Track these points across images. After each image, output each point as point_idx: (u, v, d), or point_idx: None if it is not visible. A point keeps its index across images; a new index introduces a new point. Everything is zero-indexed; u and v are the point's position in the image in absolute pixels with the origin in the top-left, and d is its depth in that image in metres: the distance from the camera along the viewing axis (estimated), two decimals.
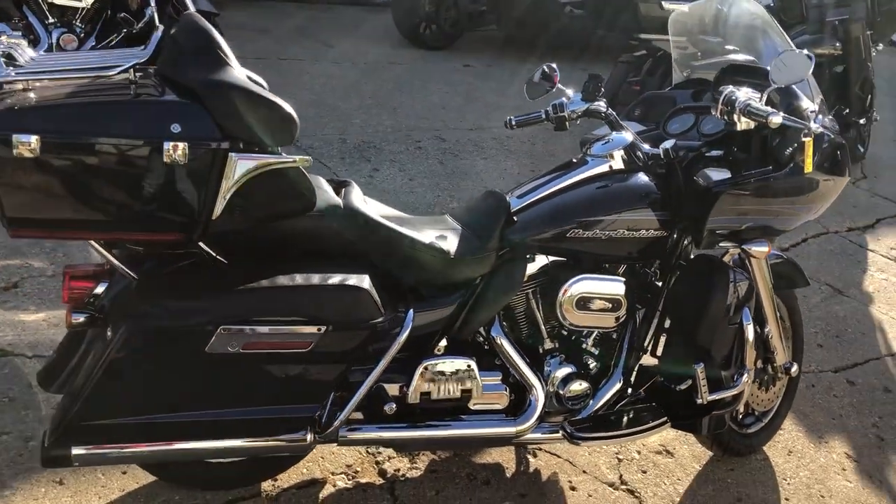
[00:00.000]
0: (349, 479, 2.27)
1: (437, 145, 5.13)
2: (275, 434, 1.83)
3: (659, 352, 2.32)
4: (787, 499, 2.51)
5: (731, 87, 2.05)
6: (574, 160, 2.26)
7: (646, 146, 2.23)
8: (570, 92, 2.44)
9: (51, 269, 3.03)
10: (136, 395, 1.71)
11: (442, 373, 2.00)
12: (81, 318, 1.77)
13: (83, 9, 4.48)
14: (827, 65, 5.87)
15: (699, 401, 2.14)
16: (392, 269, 1.94)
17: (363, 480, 2.28)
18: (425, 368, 1.99)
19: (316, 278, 1.77)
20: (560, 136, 5.54)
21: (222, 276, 1.76)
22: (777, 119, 1.88)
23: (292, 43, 7.05)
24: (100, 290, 1.83)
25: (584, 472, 2.46)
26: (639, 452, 2.58)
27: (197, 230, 1.66)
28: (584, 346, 2.26)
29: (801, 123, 1.92)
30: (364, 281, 1.80)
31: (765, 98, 2.00)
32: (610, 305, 2.15)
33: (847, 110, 5.88)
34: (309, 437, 1.87)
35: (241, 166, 1.64)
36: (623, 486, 2.44)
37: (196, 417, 1.75)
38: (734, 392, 2.18)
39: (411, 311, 1.91)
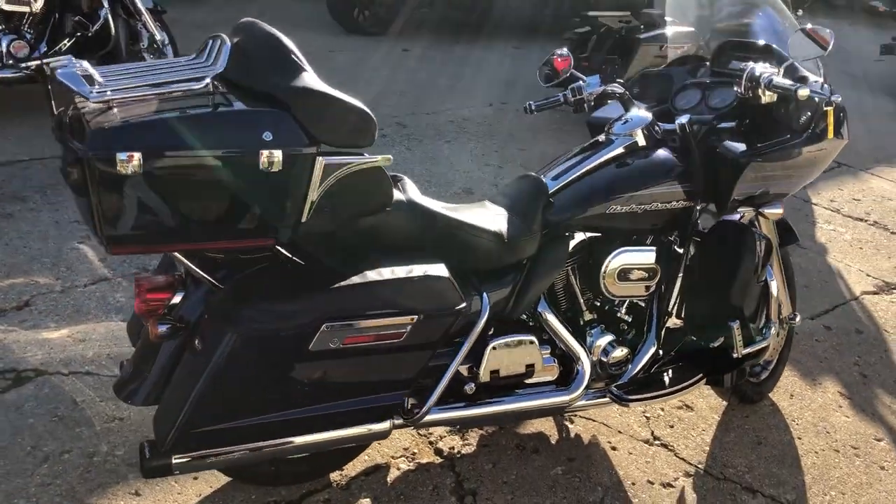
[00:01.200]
0: (410, 462, 2.36)
1: (399, 132, 5.19)
2: (365, 423, 1.90)
3: (681, 314, 2.49)
4: (799, 437, 2.74)
5: (751, 64, 2.21)
6: (600, 139, 2.38)
7: (663, 123, 2.38)
8: (580, 75, 2.55)
9: (58, 284, 2.98)
10: (241, 398, 1.75)
11: (509, 351, 2.11)
12: (166, 329, 1.80)
13: (30, 14, 4.33)
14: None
15: (735, 355, 2.33)
16: (453, 257, 2.03)
17: (423, 461, 2.37)
18: (493, 348, 2.09)
19: (401, 271, 1.84)
20: (516, 116, 5.69)
21: (314, 276, 1.81)
22: (805, 91, 2.06)
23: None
24: (176, 300, 1.86)
25: (620, 432, 2.63)
26: (662, 409, 2.76)
27: (288, 234, 1.71)
28: (618, 314, 2.40)
29: (823, 94, 2.10)
30: (443, 270, 1.89)
31: (782, 72, 2.17)
32: (646, 274, 2.30)
33: None
34: (389, 423, 1.95)
35: (328, 169, 1.70)
36: (657, 442, 2.61)
37: (295, 415, 1.81)
38: (765, 344, 2.37)
39: (486, 294, 2.01)
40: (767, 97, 2.17)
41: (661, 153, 2.32)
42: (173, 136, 1.57)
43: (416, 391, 1.99)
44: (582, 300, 2.34)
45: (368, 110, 1.75)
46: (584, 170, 2.29)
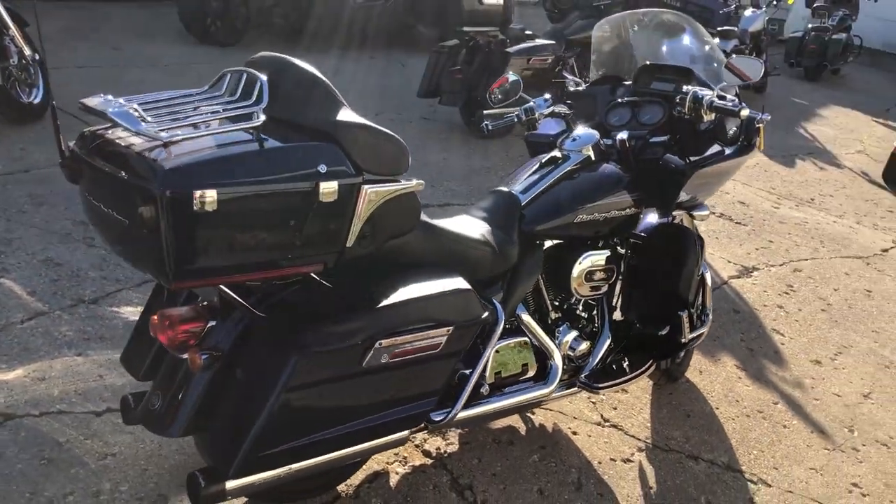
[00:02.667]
0: (404, 465, 2.51)
1: None
2: (402, 430, 2.03)
3: (625, 307, 2.80)
4: (717, 407, 3.16)
5: (692, 87, 2.55)
6: (557, 155, 2.62)
7: (605, 139, 2.68)
8: (527, 97, 2.80)
9: None
10: (301, 419, 1.83)
11: (510, 352, 2.32)
12: (206, 359, 1.84)
13: None
14: None
15: (683, 340, 2.66)
16: (458, 270, 2.20)
17: (416, 464, 2.52)
18: (497, 351, 2.29)
19: (432, 286, 1.99)
20: (396, 126, 5.83)
21: (356, 297, 1.91)
22: (745, 112, 2.42)
23: (77, 48, 6.57)
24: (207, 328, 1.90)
25: (575, 418, 2.91)
26: (603, 395, 3.07)
27: (334, 259, 1.81)
28: (577, 312, 2.68)
29: (757, 113, 2.47)
30: (464, 283, 2.06)
31: (715, 94, 2.53)
32: (605, 274, 2.59)
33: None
34: (408, 431, 2.10)
35: (372, 196, 1.82)
36: (607, 423, 2.92)
37: (346, 429, 1.91)
38: (705, 329, 2.73)
39: (498, 303, 2.20)
40: (708, 116, 2.52)
41: (610, 167, 2.61)
42: (242, 172, 1.63)
43: (445, 397, 2.14)
44: (549, 301, 2.59)
45: (401, 140, 1.89)
46: (548, 183, 2.53)
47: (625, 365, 2.71)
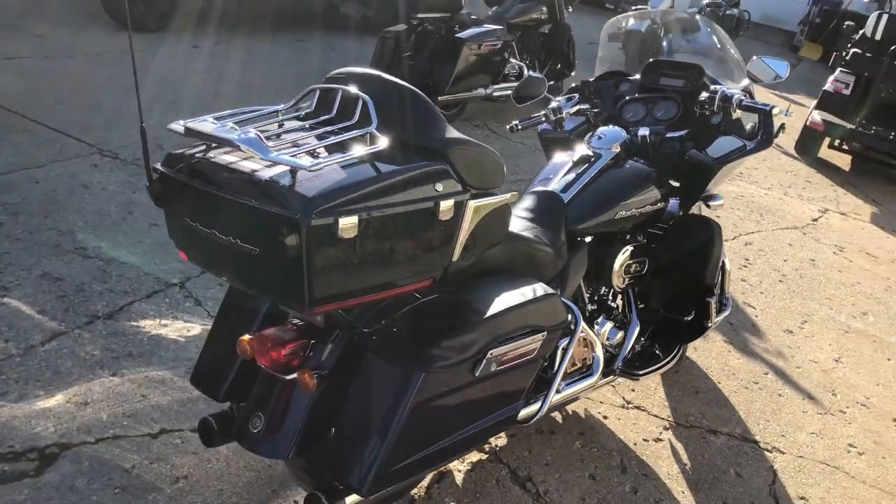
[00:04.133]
0: (463, 462, 2.57)
1: None
2: (498, 432, 2.10)
3: (650, 296, 2.94)
4: (718, 382, 3.38)
5: (721, 87, 2.69)
6: (589, 154, 2.71)
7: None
8: (550, 96, 2.88)
9: (11, 347, 2.67)
10: (426, 431, 1.87)
11: (577, 349, 2.41)
12: (318, 379, 1.86)
13: None
14: (535, 27, 6.89)
15: (709, 325, 2.83)
16: (531, 274, 2.26)
17: (473, 460, 2.59)
18: (563, 349, 2.37)
19: (522, 294, 2.05)
20: None
21: (460, 308, 1.95)
22: (777, 110, 2.57)
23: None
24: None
25: (601, 402, 3.05)
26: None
27: (441, 273, 1.85)
28: (609, 303, 2.80)
29: (783, 111, 2.63)
30: (548, 287, 2.13)
31: (739, 92, 2.68)
32: (639, 266, 2.72)
33: (559, 65, 7.00)
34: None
35: (475, 210, 1.87)
36: (631, 405, 3.08)
37: (457, 437, 1.96)
38: (727, 312, 2.91)
39: (574, 306, 2.28)
40: (736, 114, 2.67)
41: (638, 163, 2.73)
42: (375, 196, 1.65)
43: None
44: (586, 295, 2.69)
45: (497, 153, 1.94)
46: (586, 181, 2.62)
47: (657, 351, 2.85)
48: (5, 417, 2.36)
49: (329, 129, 1.77)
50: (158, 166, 1.81)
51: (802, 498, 2.76)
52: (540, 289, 2.10)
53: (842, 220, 6.06)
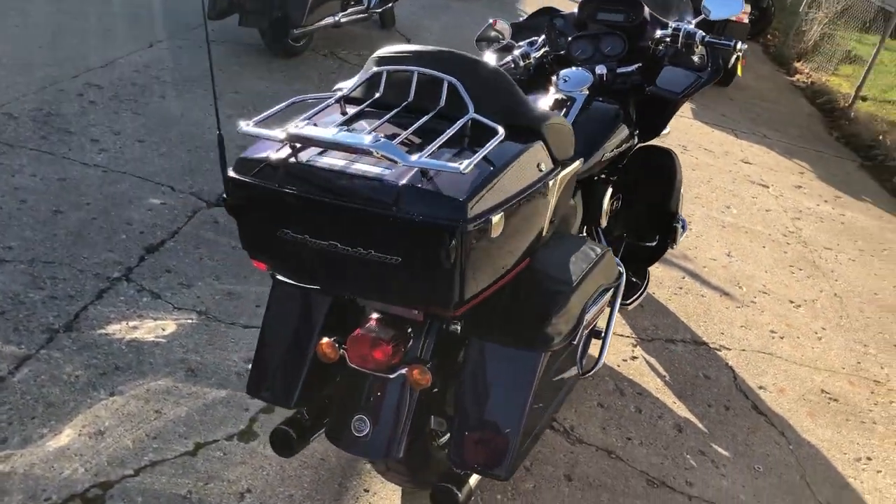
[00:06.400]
0: None
1: (101, 95, 4.54)
2: (571, 391, 2.19)
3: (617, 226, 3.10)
4: (653, 293, 3.67)
5: (682, 24, 2.80)
6: (563, 98, 2.75)
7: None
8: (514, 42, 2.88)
9: (184, 388, 2.31)
10: (539, 407, 1.91)
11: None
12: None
13: None
14: None
15: (674, 247, 3.06)
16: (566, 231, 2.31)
17: None
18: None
19: (585, 255, 2.08)
20: (188, 55, 5.36)
21: (544, 283, 1.95)
22: (739, 45, 2.74)
23: None
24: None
25: None
26: None
27: (535, 250, 1.89)
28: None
29: (743, 46, 2.81)
30: (599, 244, 2.20)
31: (694, 24, 2.82)
32: (619, 203, 2.87)
33: None
34: None
35: (561, 183, 1.90)
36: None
37: (554, 404, 2.03)
38: (686, 233, 3.15)
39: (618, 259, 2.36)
40: (699, 50, 2.81)
41: (606, 103, 2.82)
42: (510, 188, 1.63)
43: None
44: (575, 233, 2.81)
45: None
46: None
47: (633, 279, 3.05)
48: (22, 468, 2.08)
49: (424, 118, 1.69)
50: (234, 174, 1.65)
51: (761, 387, 3.14)
52: (596, 247, 2.16)
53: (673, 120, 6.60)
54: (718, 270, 4.04)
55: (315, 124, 1.66)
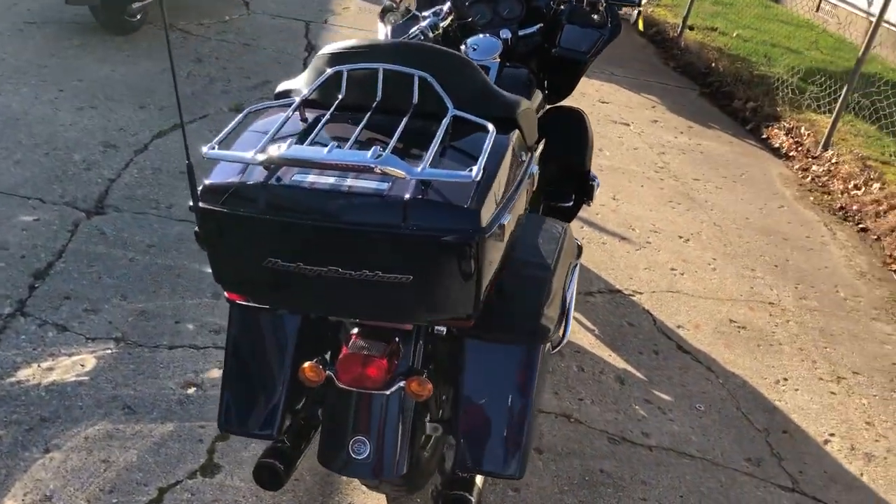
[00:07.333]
0: None
1: None
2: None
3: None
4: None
5: None
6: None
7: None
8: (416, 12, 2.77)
9: (126, 429, 1.98)
10: (540, 400, 1.90)
11: None
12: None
13: None
14: None
15: (590, 205, 3.11)
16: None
17: None
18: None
19: (550, 235, 2.03)
20: (37, 36, 4.87)
21: (521, 271, 1.91)
22: (645, 2, 2.76)
23: None
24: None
25: None
26: None
27: None
28: None
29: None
30: (558, 221, 2.18)
31: None
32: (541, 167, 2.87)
33: None
34: None
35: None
36: None
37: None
38: (599, 188, 3.20)
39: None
40: (601, 9, 2.81)
41: (517, 69, 2.79)
42: (510, 186, 1.59)
43: None
44: None
45: None
46: None
47: None
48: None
49: (404, 121, 1.59)
50: (204, 204, 1.48)
51: (679, 326, 3.30)
52: (556, 224, 2.15)
53: None
54: (610, 215, 4.17)
55: (284, 139, 1.51)
